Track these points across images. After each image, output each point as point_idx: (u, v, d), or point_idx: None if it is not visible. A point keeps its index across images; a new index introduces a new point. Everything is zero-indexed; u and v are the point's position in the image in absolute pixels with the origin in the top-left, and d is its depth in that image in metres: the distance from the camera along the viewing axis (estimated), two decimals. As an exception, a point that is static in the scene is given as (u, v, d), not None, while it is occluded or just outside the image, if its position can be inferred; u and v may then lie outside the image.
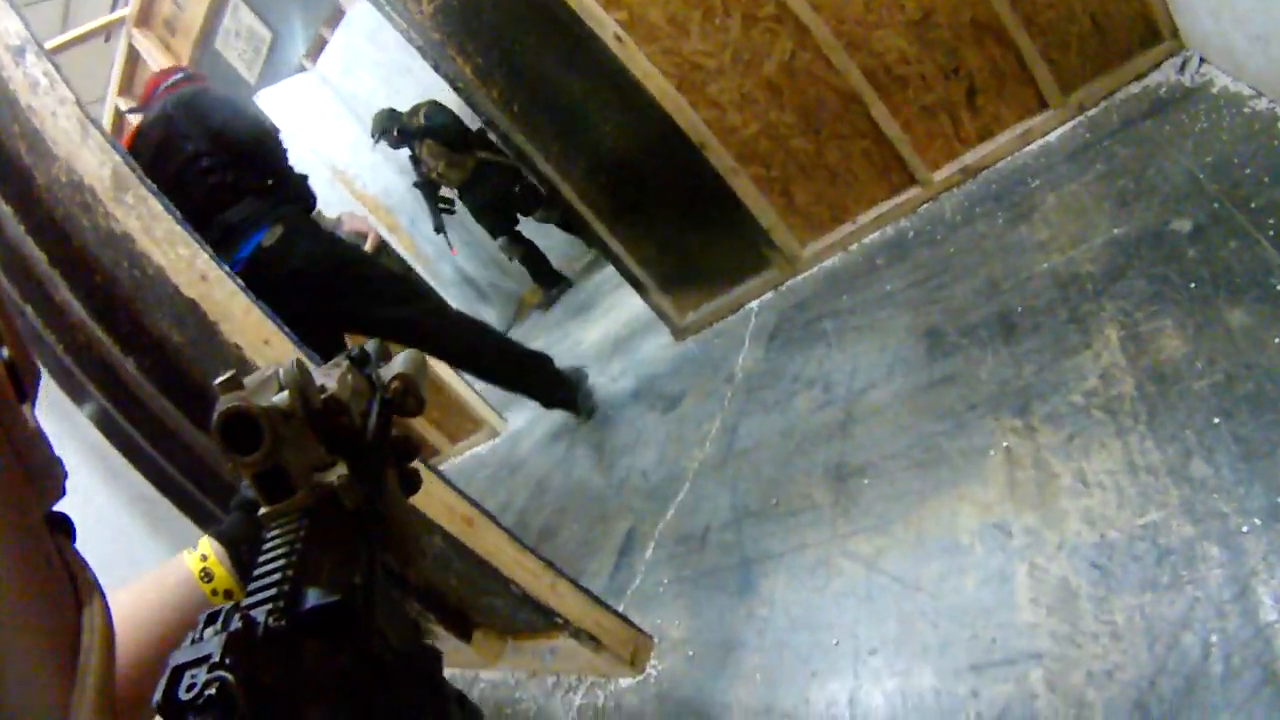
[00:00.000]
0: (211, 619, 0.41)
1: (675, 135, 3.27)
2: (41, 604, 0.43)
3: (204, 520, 2.84)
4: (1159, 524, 1.46)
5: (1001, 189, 2.85)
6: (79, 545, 0.52)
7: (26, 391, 0.46)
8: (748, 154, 3.30)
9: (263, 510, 0.59)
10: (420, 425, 5.32)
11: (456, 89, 3.62)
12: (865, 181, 3.25)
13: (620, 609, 2.29)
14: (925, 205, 3.16)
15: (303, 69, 7.17)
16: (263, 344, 1.83)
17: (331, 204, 7.52)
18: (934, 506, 1.85)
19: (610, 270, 4.66)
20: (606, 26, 3.09)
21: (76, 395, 2.49)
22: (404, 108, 6.74)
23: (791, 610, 1.92)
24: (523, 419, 4.92)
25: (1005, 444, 1.85)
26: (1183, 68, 2.60)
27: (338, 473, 0.61)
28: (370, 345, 0.88)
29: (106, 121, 4.85)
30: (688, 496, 2.67)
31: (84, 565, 0.50)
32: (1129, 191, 2.29)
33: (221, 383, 0.59)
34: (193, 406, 2.10)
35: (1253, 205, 1.88)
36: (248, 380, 0.62)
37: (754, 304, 3.59)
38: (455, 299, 7.35)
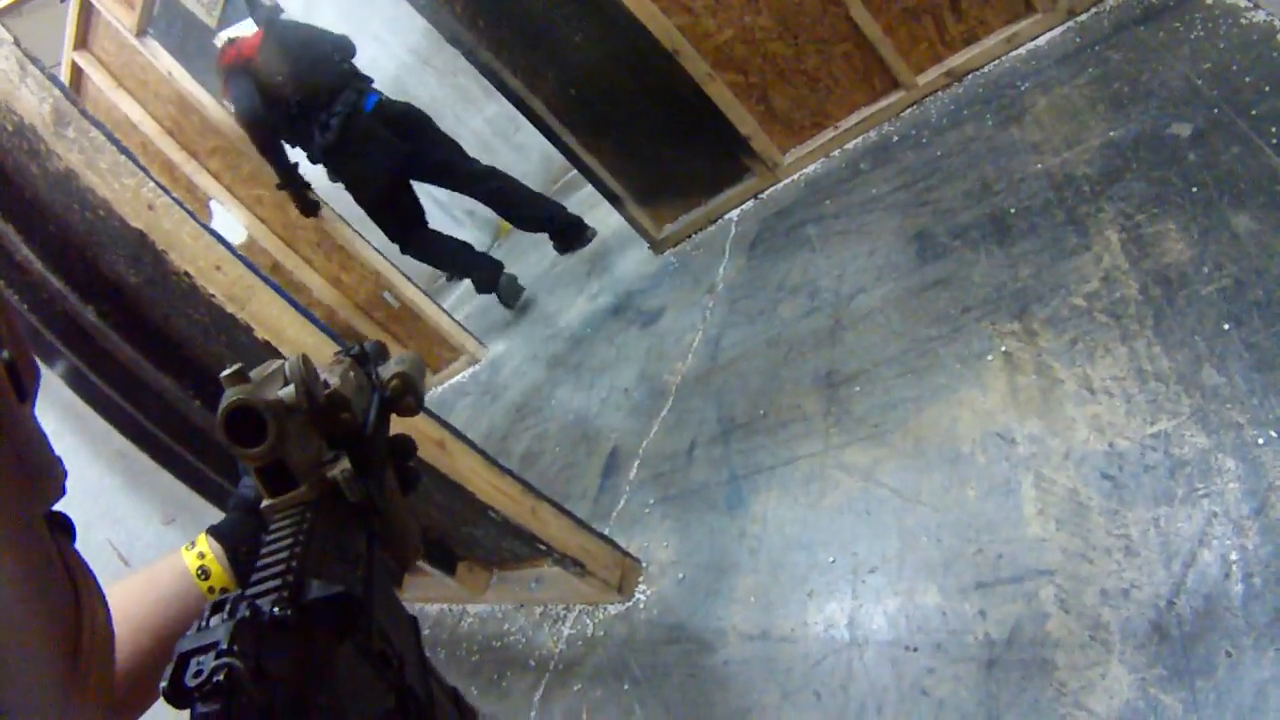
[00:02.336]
0: (218, 607, 0.41)
1: (648, 43, 3.05)
2: (41, 604, 0.43)
3: (180, 470, 2.74)
4: (1170, 434, 1.35)
5: (989, 92, 2.67)
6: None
7: (26, 391, 0.46)
8: (723, 60, 3.08)
9: (266, 502, 0.60)
10: (398, 350, 5.18)
11: (419, 8, 3.37)
12: (846, 86, 3.05)
13: (605, 532, 2.20)
14: (909, 109, 2.97)
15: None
16: (214, 270, 1.69)
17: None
18: (932, 414, 1.74)
19: (586, 192, 4.49)
20: None
21: (46, 355, 2.37)
22: (369, 39, 6.47)
23: (785, 528, 1.82)
24: (501, 345, 4.78)
25: (1004, 348, 1.73)
26: None
27: (341, 467, 0.62)
28: (369, 344, 0.87)
29: (65, 79, 4.57)
30: (671, 412, 2.55)
31: (84, 565, 0.50)
32: (1124, 95, 2.12)
33: (227, 376, 0.59)
34: (156, 350, 1.98)
35: (1253, 113, 1.73)
36: (253, 374, 0.62)
37: (734, 214, 3.41)
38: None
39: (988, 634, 1.30)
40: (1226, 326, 1.42)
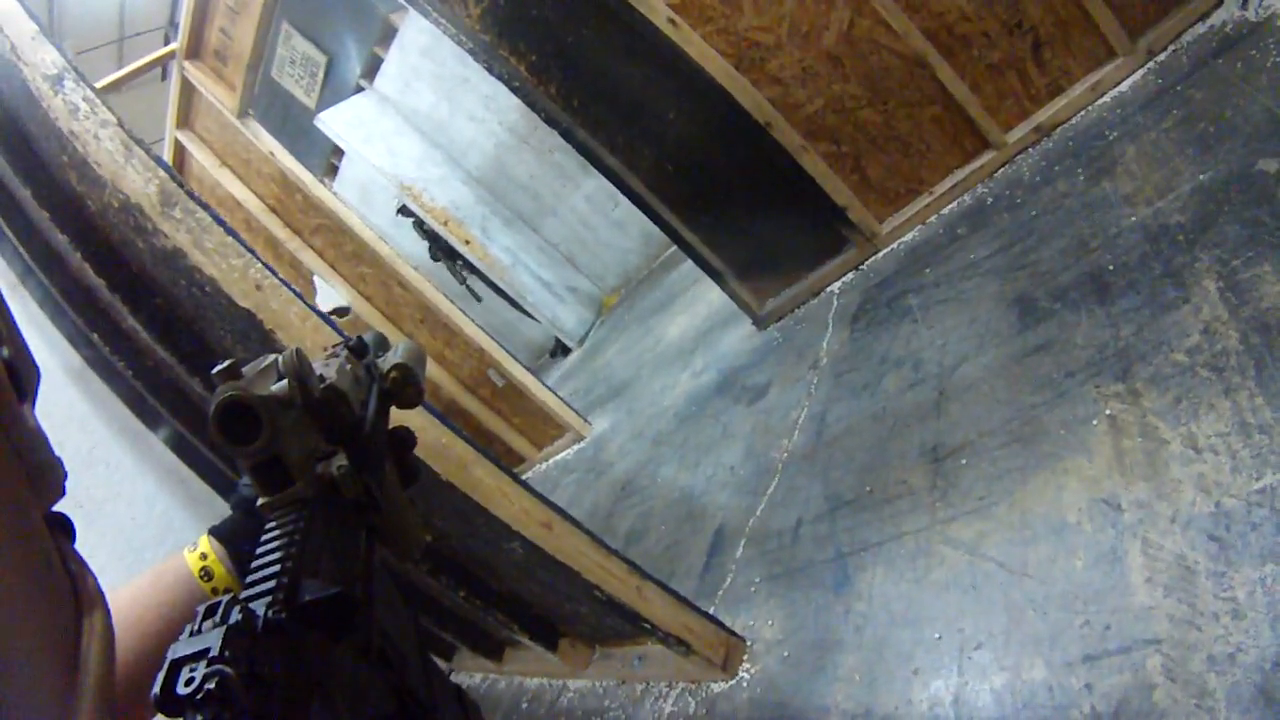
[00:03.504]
0: (210, 611, 0.42)
1: (740, 116, 3.26)
2: (41, 604, 0.44)
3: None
4: (1276, 488, 1.39)
5: (1079, 144, 2.75)
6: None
7: (26, 391, 0.47)
8: (815, 130, 3.26)
9: (261, 500, 0.61)
10: (505, 433, 5.44)
11: (514, 89, 3.67)
12: (938, 150, 3.18)
13: (711, 611, 2.30)
14: (1002, 169, 3.07)
15: (360, 89, 7.40)
16: (320, 350, 1.89)
17: (402, 222, 7.75)
18: (1037, 484, 1.80)
19: (686, 266, 4.68)
20: (658, 11, 3.09)
21: (149, 420, 2.59)
22: (465, 119, 6.97)
23: (891, 604, 1.90)
24: (606, 421, 4.98)
25: (1108, 411, 1.78)
26: (1245, 2, 2.48)
27: (338, 463, 0.63)
28: (369, 335, 0.91)
29: (168, 157, 5.09)
30: (777, 489, 2.65)
31: (84, 565, 0.51)
32: (1210, 135, 2.17)
33: (219, 371, 0.60)
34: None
35: (1339, 139, 1.79)
36: (246, 369, 0.64)
37: (835, 286, 3.54)
38: (533, 307, 7.47)
39: (1094, 708, 1.35)
40: (1332, 373, 1.46)
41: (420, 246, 7.78)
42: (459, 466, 1.81)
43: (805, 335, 3.43)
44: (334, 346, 0.84)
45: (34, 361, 0.50)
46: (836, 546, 2.20)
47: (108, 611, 0.49)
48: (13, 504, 0.43)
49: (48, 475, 0.48)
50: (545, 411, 5.13)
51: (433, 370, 5.32)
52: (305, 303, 1.78)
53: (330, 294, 5.23)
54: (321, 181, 4.88)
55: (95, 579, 0.51)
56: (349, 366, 0.78)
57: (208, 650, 0.38)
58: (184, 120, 4.67)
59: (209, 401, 0.58)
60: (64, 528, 0.51)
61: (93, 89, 1.79)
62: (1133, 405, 1.75)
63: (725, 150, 3.46)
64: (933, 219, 3.26)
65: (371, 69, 7.33)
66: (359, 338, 0.88)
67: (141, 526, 2.76)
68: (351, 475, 0.62)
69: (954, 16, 2.89)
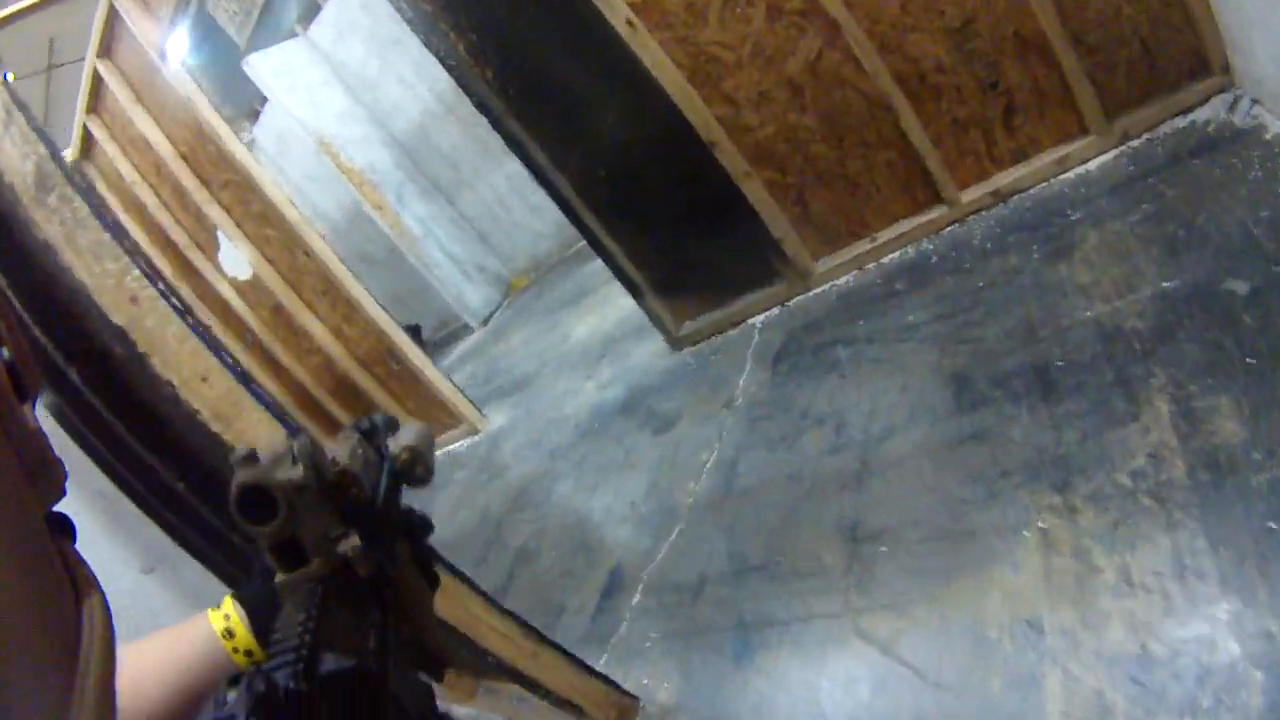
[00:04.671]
0: (233, 682, 0.44)
1: (684, 131, 3.15)
2: (41, 604, 0.45)
3: (163, 524, 2.75)
4: (1204, 640, 1.38)
5: (1037, 218, 2.74)
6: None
7: (27, 391, 0.48)
8: (762, 156, 3.17)
9: (279, 578, 0.64)
10: (397, 415, 5.24)
11: (448, 67, 3.48)
12: (887, 195, 3.13)
13: (603, 659, 2.22)
14: (951, 227, 3.05)
15: (294, 34, 7.06)
16: (200, 381, 1.72)
17: (317, 178, 7.41)
18: (960, 589, 1.76)
19: (600, 263, 4.57)
20: (618, 9, 2.95)
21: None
22: (395, 80, 6.72)
23: (794, 689, 1.84)
24: (503, 418, 4.83)
25: (1041, 524, 1.75)
26: (1233, 107, 2.50)
27: (351, 543, 0.66)
28: (379, 417, 0.91)
29: (85, 83, 4.74)
30: (680, 538, 2.57)
31: (84, 566, 0.52)
32: (1179, 240, 2.18)
33: (239, 459, 0.63)
34: (141, 428, 1.98)
35: (1316, 274, 1.80)
36: (262, 453, 0.66)
37: (759, 319, 3.48)
38: (440, 280, 7.26)
39: None
40: (1272, 525, 1.45)
41: (335, 206, 7.59)
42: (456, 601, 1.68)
43: (721, 368, 3.36)
44: (347, 428, 0.85)
45: (35, 362, 0.50)
46: (740, 615, 2.13)
47: (108, 612, 0.50)
48: (13, 504, 0.44)
49: (48, 475, 0.48)
50: (440, 399, 4.93)
51: (330, 344, 5.09)
52: (185, 321, 1.61)
53: (233, 254, 4.94)
54: (242, 126, 4.61)
55: (96, 579, 0.52)
56: (360, 450, 0.80)
57: (233, 718, 0.40)
58: (105, 49, 4.31)
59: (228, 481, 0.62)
60: (64, 528, 0.52)
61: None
62: (1068, 521, 1.72)
63: (663, 163, 3.35)
64: (871, 266, 3.22)
65: (308, 15, 6.98)
66: (370, 419, 0.89)
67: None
68: (364, 554, 0.66)
69: (929, 65, 2.85)
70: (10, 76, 1.67)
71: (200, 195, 4.75)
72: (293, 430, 1.80)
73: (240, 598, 0.86)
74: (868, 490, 2.18)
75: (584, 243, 6.69)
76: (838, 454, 2.38)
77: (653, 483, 2.97)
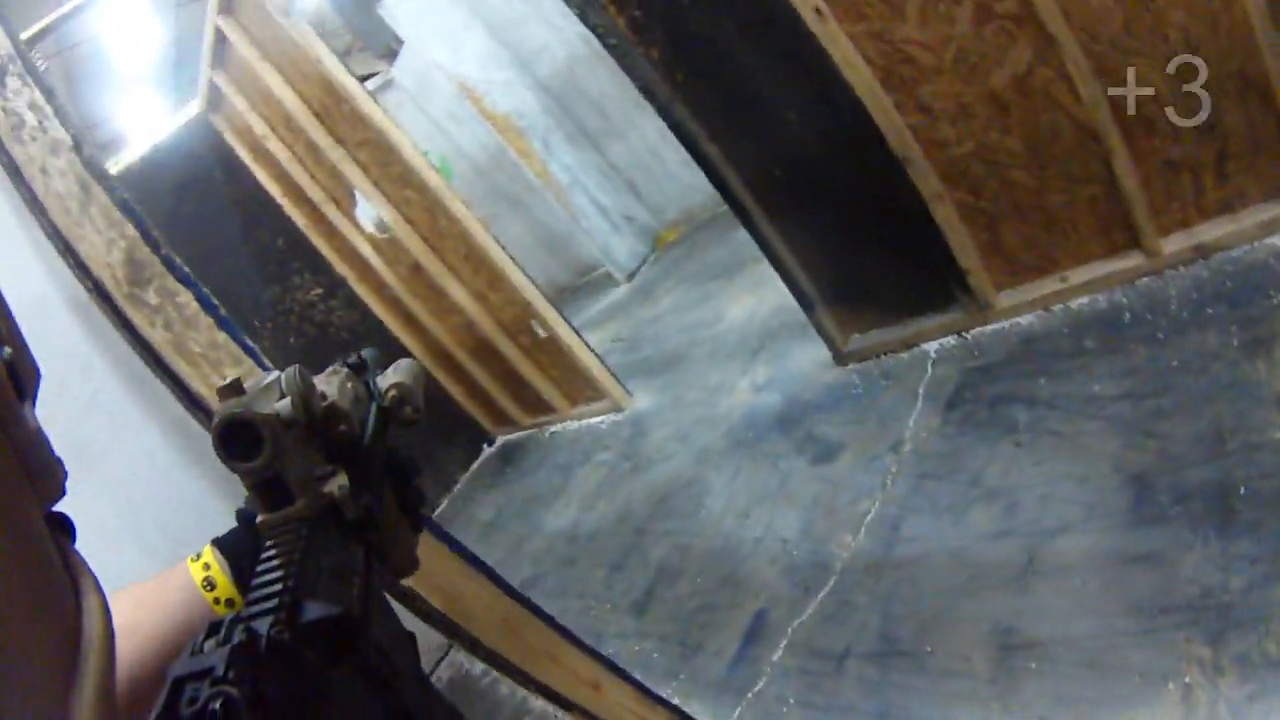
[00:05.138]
0: (212, 630, 0.46)
1: (872, 139, 3.15)
2: (41, 605, 0.47)
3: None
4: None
5: (1238, 289, 2.69)
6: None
7: (26, 391, 0.51)
8: (956, 176, 3.17)
9: (261, 518, 0.67)
10: (538, 381, 5.60)
11: (607, 45, 3.57)
12: (1084, 234, 3.10)
13: (735, 714, 2.45)
14: (1147, 278, 3.01)
15: (434, -28, 7.25)
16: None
17: (459, 117, 7.73)
18: (1102, 726, 1.91)
19: (743, 240, 4.64)
20: None
21: None
22: (540, 22, 6.89)
23: (928, 797, 2.05)
24: (649, 399, 5.08)
25: (1186, 679, 1.82)
26: None
27: (338, 483, 0.69)
28: (367, 352, 0.98)
29: (207, 38, 5.12)
30: (831, 597, 2.75)
31: (84, 566, 0.55)
32: None
33: (223, 388, 0.66)
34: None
35: None
36: (248, 385, 0.69)
37: (933, 346, 3.54)
38: (586, 231, 7.54)
39: None
40: None
41: (478, 147, 7.84)
42: (509, 632, 1.91)
43: (890, 399, 3.45)
44: (335, 365, 0.91)
45: (34, 361, 0.54)
46: (882, 702, 2.31)
47: (108, 612, 0.52)
48: (13, 504, 0.46)
49: (48, 475, 0.51)
50: (587, 374, 5.22)
51: (472, 308, 5.44)
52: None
53: (370, 210, 5.32)
54: (379, 66, 4.89)
55: (96, 579, 0.54)
56: (349, 385, 0.85)
57: (212, 669, 0.41)
58: (225, 6, 4.66)
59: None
60: (64, 528, 0.55)
61: (46, 90, 1.48)
62: (1211, 681, 1.78)
63: (846, 170, 3.38)
64: (1058, 308, 3.21)
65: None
66: (359, 355, 0.95)
67: (143, 481, 2.91)
68: (351, 495, 0.69)
69: (1146, 95, 2.76)
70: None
71: (335, 153, 5.12)
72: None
73: (220, 544, 0.89)
74: (1030, 593, 2.29)
75: (722, 209, 6.83)
76: (1005, 539, 2.49)
77: (808, 523, 3.14)
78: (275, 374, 0.73)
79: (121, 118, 9.31)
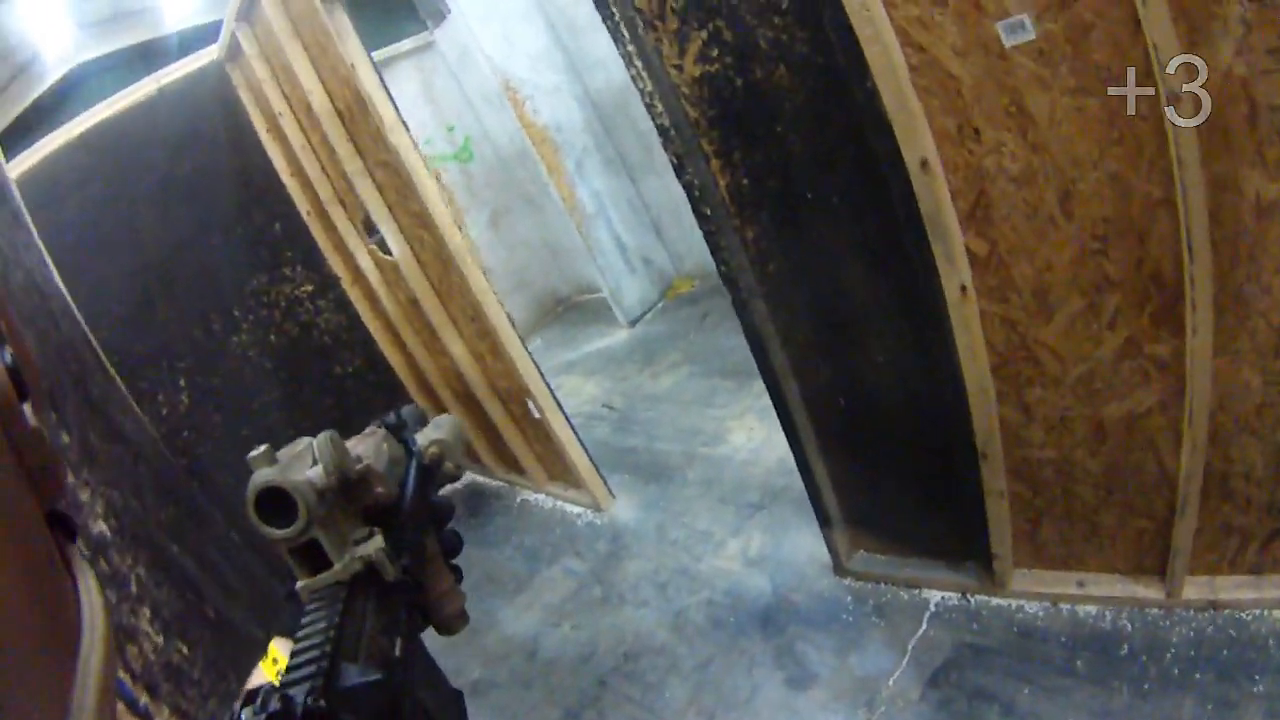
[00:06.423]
0: (249, 699, 0.47)
1: (959, 416, 3.08)
2: (42, 605, 0.48)
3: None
4: None
5: (1231, 660, 2.78)
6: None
7: (27, 391, 0.52)
8: (1024, 473, 3.15)
9: (300, 584, 0.69)
10: (520, 449, 5.58)
11: (691, 196, 3.34)
12: (1118, 549, 3.13)
13: None
14: (1155, 611, 3.08)
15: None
16: None
17: (492, 101, 7.51)
18: None
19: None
20: (956, 272, 2.75)
21: None
22: (604, 32, 6.70)
23: None
24: (631, 511, 5.07)
25: None
26: None
27: (375, 545, 0.71)
28: (406, 410, 1.02)
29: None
30: None
31: (85, 566, 0.56)
32: None
33: (255, 456, 0.68)
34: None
35: None
36: (281, 453, 0.72)
37: (935, 597, 3.57)
38: (600, 267, 7.43)
39: None
40: None
41: (506, 137, 7.63)
42: None
43: (878, 643, 3.46)
44: (372, 425, 0.94)
45: (35, 361, 0.55)
46: None
47: (109, 612, 0.53)
48: (13, 504, 0.48)
49: (49, 475, 0.53)
50: (571, 465, 5.18)
51: (466, 363, 5.31)
52: None
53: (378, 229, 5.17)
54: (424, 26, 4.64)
55: (98, 579, 0.56)
56: (385, 445, 0.87)
57: None
58: None
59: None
60: (65, 527, 0.56)
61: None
62: None
63: (916, 431, 3.34)
64: (1064, 609, 3.25)
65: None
66: (396, 413, 0.98)
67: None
68: (389, 557, 0.71)
69: (1240, 469, 2.77)
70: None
71: (352, 164, 4.96)
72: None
73: (284, 631, 0.92)
74: None
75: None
76: None
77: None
78: (308, 440, 0.75)
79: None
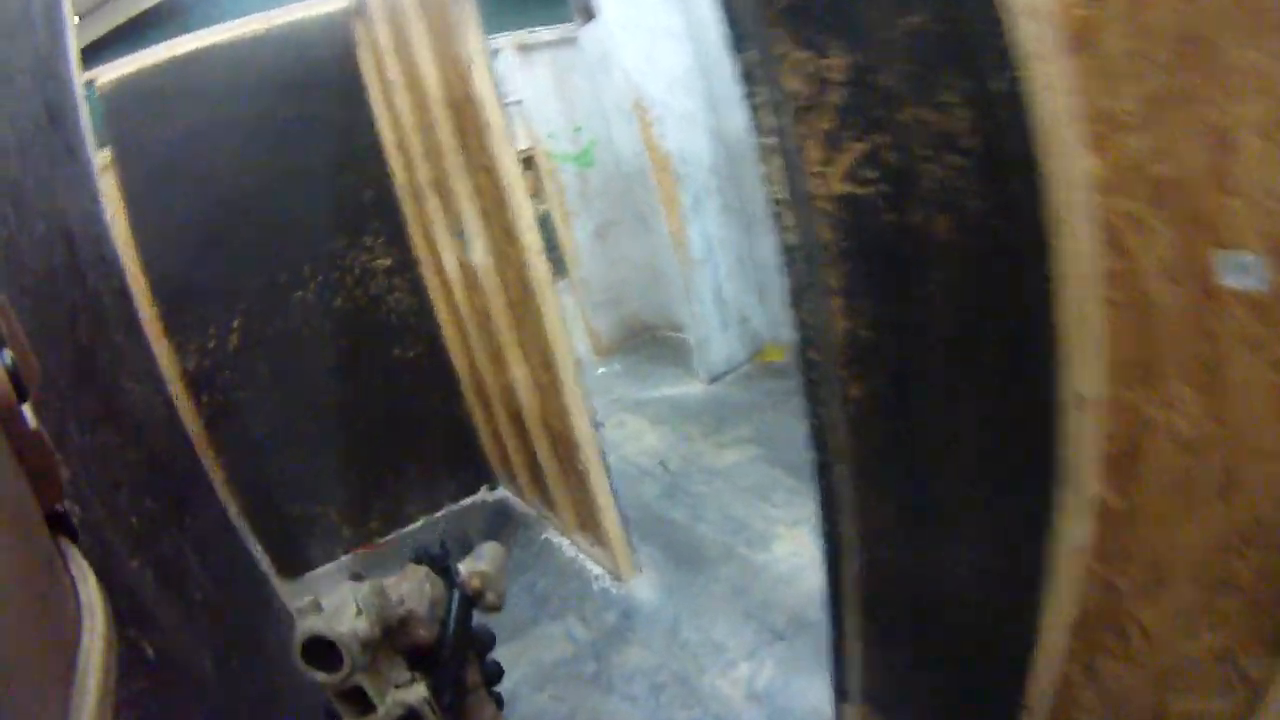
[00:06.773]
0: None
1: (1019, 658, 2.59)
2: (42, 605, 0.50)
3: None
4: None
5: None
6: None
7: (27, 392, 0.55)
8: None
9: None
10: (557, 490, 5.32)
11: (803, 344, 2.92)
12: None
13: None
14: None
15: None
16: None
17: (624, 114, 7.25)
18: None
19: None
20: (1082, 493, 2.17)
21: None
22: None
23: None
24: (650, 591, 4.76)
25: None
26: None
27: (418, 694, 0.77)
28: (449, 542, 1.03)
29: None
30: None
31: (85, 566, 0.59)
32: None
33: (302, 609, 0.74)
34: None
35: None
36: (326, 601, 0.77)
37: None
38: (693, 315, 7.14)
39: None
40: None
41: (630, 149, 7.40)
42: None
43: None
44: (412, 561, 0.95)
45: (35, 363, 0.58)
46: None
47: (108, 612, 0.55)
48: (13, 504, 0.49)
49: (48, 475, 0.55)
50: (602, 526, 4.89)
51: (525, 390, 5.07)
52: None
53: (472, 240, 4.97)
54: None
55: (97, 579, 0.58)
56: (427, 585, 0.90)
57: None
58: None
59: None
60: (64, 527, 0.59)
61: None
62: None
63: (968, 656, 2.94)
64: None
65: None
66: (442, 543, 1.00)
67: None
68: (431, 703, 0.75)
69: None
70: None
71: (451, 160, 4.78)
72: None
73: None
74: None
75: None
76: None
77: None
78: (351, 587, 0.78)
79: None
